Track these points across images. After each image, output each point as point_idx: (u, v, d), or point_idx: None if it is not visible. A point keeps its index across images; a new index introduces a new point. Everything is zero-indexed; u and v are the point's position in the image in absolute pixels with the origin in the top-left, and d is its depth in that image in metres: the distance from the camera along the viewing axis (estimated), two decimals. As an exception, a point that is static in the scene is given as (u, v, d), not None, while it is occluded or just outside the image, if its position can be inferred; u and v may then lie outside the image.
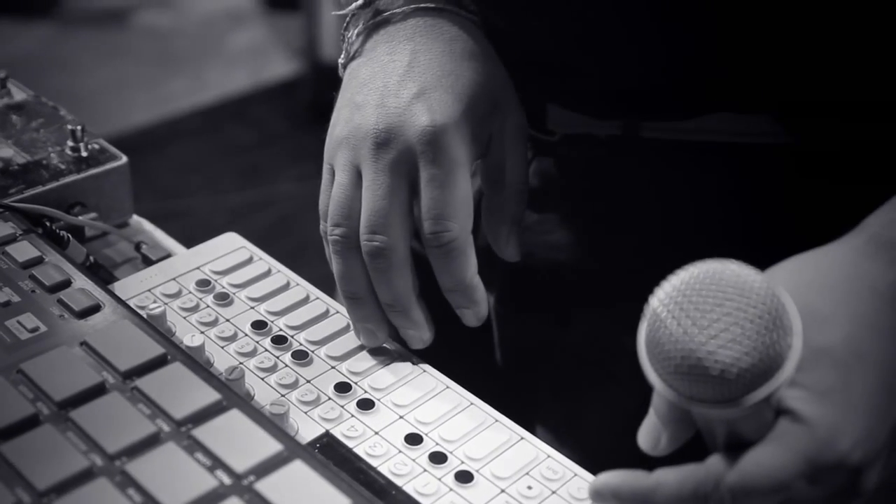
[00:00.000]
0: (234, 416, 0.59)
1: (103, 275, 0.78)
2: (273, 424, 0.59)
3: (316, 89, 2.84)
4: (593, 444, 0.78)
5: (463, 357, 0.76)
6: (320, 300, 0.76)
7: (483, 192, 0.76)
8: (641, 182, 0.80)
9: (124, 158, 0.84)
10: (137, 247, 0.82)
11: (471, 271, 0.71)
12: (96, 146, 0.85)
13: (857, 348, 0.54)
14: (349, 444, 0.65)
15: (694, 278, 0.52)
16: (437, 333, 0.73)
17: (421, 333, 0.71)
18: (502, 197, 0.75)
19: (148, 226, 0.86)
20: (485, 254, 0.85)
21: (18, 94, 0.93)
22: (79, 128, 0.84)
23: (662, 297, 0.52)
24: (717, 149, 0.77)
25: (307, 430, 0.66)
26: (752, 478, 0.52)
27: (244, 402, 0.60)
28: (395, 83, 0.70)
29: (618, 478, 0.56)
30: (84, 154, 0.84)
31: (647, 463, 0.57)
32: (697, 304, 0.51)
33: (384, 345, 0.72)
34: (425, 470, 0.64)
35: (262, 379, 0.69)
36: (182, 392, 0.60)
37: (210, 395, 0.60)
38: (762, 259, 0.58)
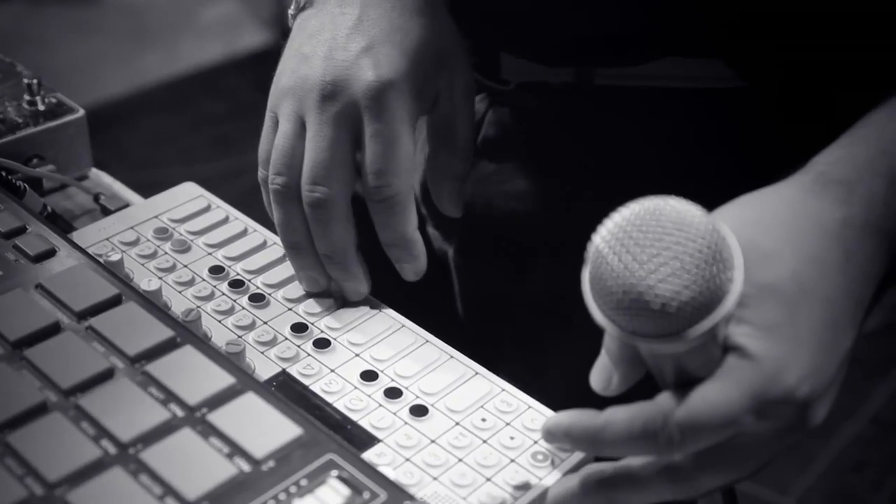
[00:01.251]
0: (188, 352, 0.60)
1: (61, 224, 0.78)
2: (226, 359, 0.59)
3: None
4: (558, 392, 0.79)
5: (424, 310, 0.76)
6: (277, 245, 0.76)
7: (430, 149, 0.77)
8: (596, 129, 0.81)
9: (81, 111, 0.84)
10: (96, 198, 0.82)
11: (411, 226, 0.71)
12: (53, 100, 0.85)
13: (803, 284, 0.55)
14: (305, 381, 0.66)
15: (635, 215, 0.52)
16: (397, 287, 0.74)
17: (357, 286, 0.72)
18: (448, 154, 0.76)
19: (107, 178, 0.86)
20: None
21: (-24, 52, 0.93)
22: (35, 81, 0.84)
23: (604, 235, 0.52)
24: (669, 94, 0.77)
25: (264, 369, 0.67)
26: (700, 413, 0.53)
27: (197, 339, 0.61)
28: (344, 36, 0.70)
29: (569, 417, 0.57)
30: (41, 107, 0.84)
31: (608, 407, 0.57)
32: (638, 241, 0.51)
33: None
34: (380, 405, 0.65)
35: (220, 321, 0.70)
36: (136, 330, 0.61)
37: (163, 333, 0.61)
38: (720, 201, 0.59)
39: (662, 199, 0.53)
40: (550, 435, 0.58)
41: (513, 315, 0.86)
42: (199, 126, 2.75)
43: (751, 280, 0.54)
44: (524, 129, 0.84)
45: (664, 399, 0.54)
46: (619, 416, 0.55)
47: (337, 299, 0.72)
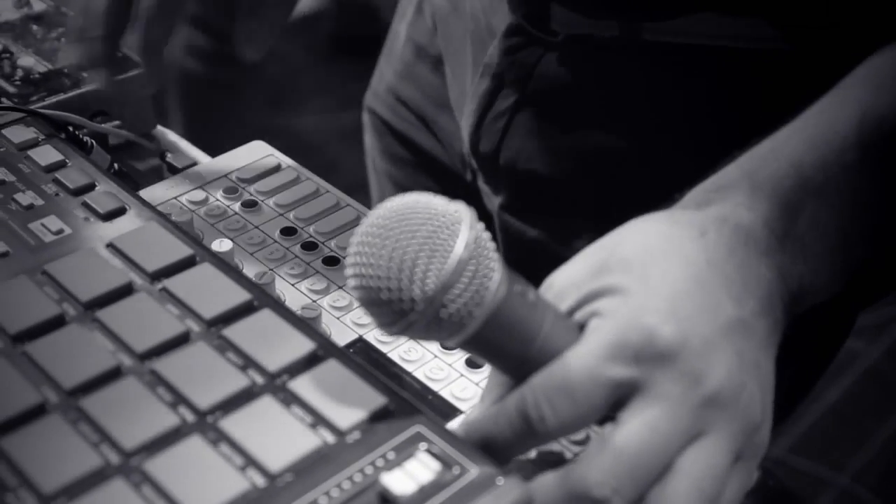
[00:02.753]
0: (266, 316, 0.57)
1: (129, 183, 0.76)
2: (305, 324, 0.57)
3: (338, 22, 2.79)
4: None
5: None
6: (351, 207, 0.73)
7: None
8: (641, 85, 0.80)
9: (147, 66, 0.82)
10: (162, 156, 0.80)
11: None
12: (118, 54, 0.82)
13: (653, 251, 0.52)
14: (383, 349, 0.63)
15: (365, 234, 0.50)
16: None
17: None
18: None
19: (173, 136, 0.83)
20: (489, 160, 0.84)
21: (38, 5, 0.90)
22: (101, 35, 0.81)
23: (351, 265, 0.50)
24: (713, 52, 0.75)
25: (340, 335, 0.64)
26: (560, 371, 0.49)
27: (275, 302, 0.58)
28: None
29: (464, 428, 0.53)
30: (106, 61, 0.81)
31: None
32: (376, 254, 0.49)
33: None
34: (462, 375, 0.62)
35: (293, 285, 0.67)
36: (212, 292, 0.58)
37: (240, 295, 0.58)
38: None
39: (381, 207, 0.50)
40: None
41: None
42: (251, 88, 2.72)
43: (602, 263, 0.52)
44: (573, 82, 0.82)
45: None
46: (493, 409, 0.52)
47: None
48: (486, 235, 0.49)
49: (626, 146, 0.81)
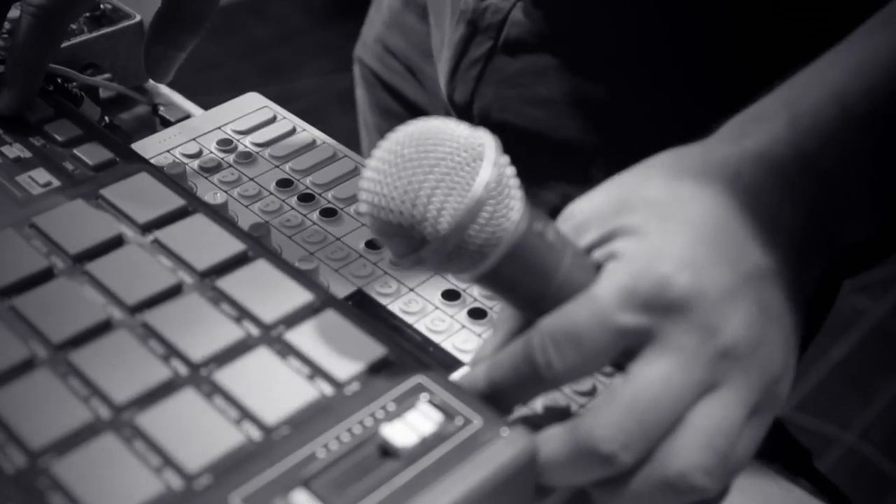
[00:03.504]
0: (261, 267, 0.55)
1: (120, 136, 0.74)
2: (302, 274, 0.55)
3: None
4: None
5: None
6: (349, 157, 0.71)
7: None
8: (617, 31, 0.78)
9: (138, 17, 0.80)
10: (155, 109, 0.78)
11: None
12: (108, 6, 0.80)
13: (679, 192, 0.49)
14: (383, 301, 0.62)
15: (381, 161, 0.47)
16: None
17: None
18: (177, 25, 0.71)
19: (165, 90, 0.81)
20: (463, 110, 0.83)
21: (26, -42, 0.88)
22: (90, -14, 0.79)
23: (366, 188, 0.47)
24: None
25: (338, 287, 0.62)
26: (569, 315, 0.47)
27: (270, 253, 0.56)
28: None
29: (467, 378, 0.51)
30: (96, 13, 0.79)
31: None
32: (397, 176, 0.46)
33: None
34: (464, 326, 0.60)
35: (290, 237, 0.66)
36: (205, 243, 0.56)
37: (235, 246, 0.56)
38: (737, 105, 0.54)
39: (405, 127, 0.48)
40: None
41: None
42: (246, 52, 2.70)
43: (625, 199, 0.49)
44: (548, 29, 0.80)
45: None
46: (499, 354, 0.50)
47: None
48: (510, 171, 0.47)
49: (601, 95, 0.78)
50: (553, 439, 0.48)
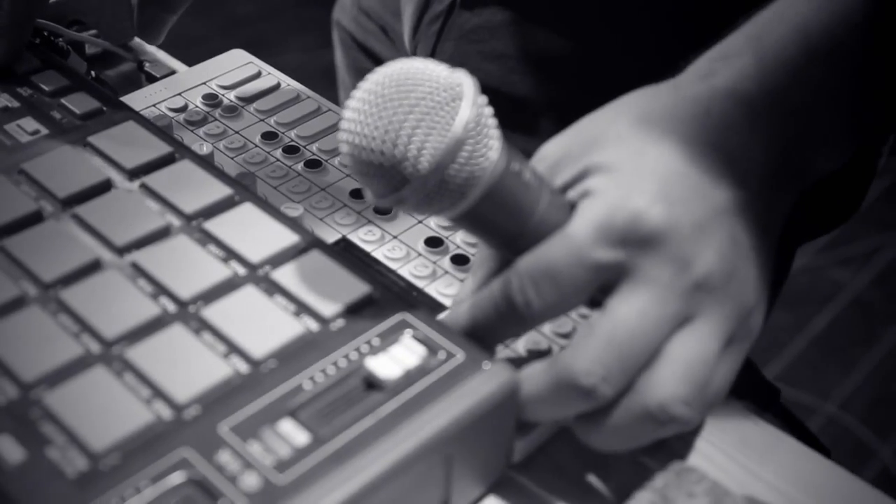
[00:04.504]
0: (247, 210, 0.56)
1: (106, 90, 0.75)
2: (287, 217, 0.56)
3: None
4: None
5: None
6: (332, 111, 0.72)
7: None
8: None
9: (124, -26, 0.80)
10: (140, 65, 0.78)
11: None
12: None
13: (649, 127, 0.50)
14: (367, 248, 0.63)
15: (362, 100, 0.48)
16: None
17: None
18: None
19: (150, 47, 0.82)
20: None
21: (11, -82, 0.88)
22: (75, -57, 0.80)
23: (346, 129, 0.48)
24: None
25: (323, 235, 0.63)
26: (545, 254, 0.48)
27: (256, 197, 0.57)
28: None
29: (449, 315, 0.53)
30: (82, -30, 0.80)
31: None
32: (375, 116, 0.47)
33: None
34: (447, 272, 0.61)
35: (275, 187, 0.66)
36: (192, 188, 0.57)
37: (221, 190, 0.57)
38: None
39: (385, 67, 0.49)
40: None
41: None
42: (230, 28, 2.70)
43: (595, 137, 0.50)
44: None
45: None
46: (478, 294, 0.51)
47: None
48: (488, 111, 0.48)
49: (554, 49, 0.79)
50: (534, 375, 0.49)
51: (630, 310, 0.48)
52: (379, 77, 0.48)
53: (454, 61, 0.83)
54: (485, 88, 0.82)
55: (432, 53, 0.84)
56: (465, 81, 0.48)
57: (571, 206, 0.50)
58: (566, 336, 0.57)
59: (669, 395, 0.48)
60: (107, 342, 0.49)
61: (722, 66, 0.53)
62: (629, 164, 0.49)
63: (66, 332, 0.49)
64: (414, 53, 0.86)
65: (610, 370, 0.47)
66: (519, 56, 0.81)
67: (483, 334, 0.51)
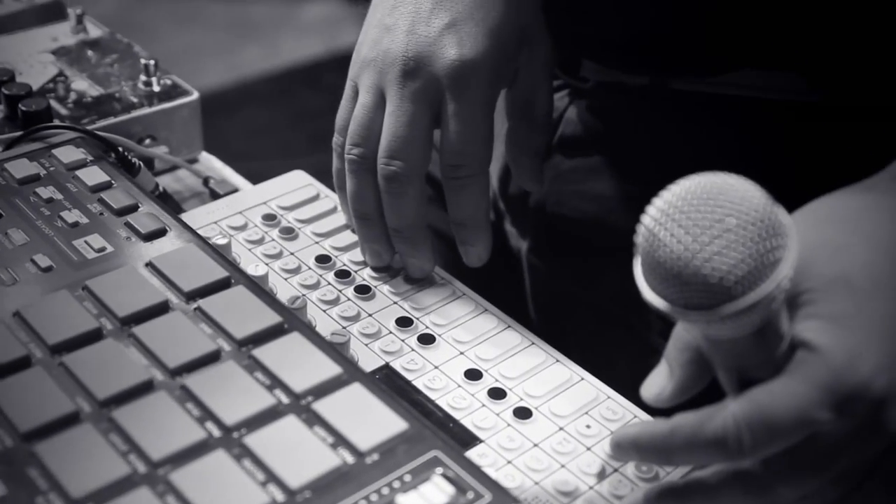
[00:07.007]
0: (295, 339, 0.59)
1: (172, 205, 0.78)
2: (333, 348, 0.59)
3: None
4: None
5: (496, 307, 0.76)
6: (385, 238, 0.75)
7: (510, 124, 0.76)
8: (672, 133, 0.80)
9: (196, 94, 0.85)
10: (206, 181, 0.82)
11: (482, 208, 0.71)
12: (168, 82, 0.85)
13: (876, 275, 0.52)
14: (408, 376, 0.65)
15: (685, 190, 0.49)
16: (471, 280, 0.73)
17: (423, 263, 0.72)
18: (528, 128, 0.76)
19: (217, 163, 0.86)
20: (518, 202, 0.85)
21: (94, 31, 0.94)
22: (152, 62, 0.84)
23: (654, 213, 0.50)
24: (744, 103, 0.76)
25: (367, 361, 0.66)
26: (768, 408, 0.50)
27: (305, 326, 0.60)
28: (427, 10, 0.70)
29: (636, 428, 0.54)
30: (156, 89, 0.84)
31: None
32: (689, 215, 0.49)
33: (451, 283, 0.72)
34: (483, 405, 0.64)
35: (325, 311, 0.69)
36: (244, 314, 0.60)
37: (271, 318, 0.60)
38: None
39: (713, 174, 0.50)
40: (619, 448, 0.55)
41: (580, 319, 0.85)
42: (299, 120, 2.76)
43: (820, 274, 0.51)
44: (602, 128, 0.83)
45: (732, 402, 0.51)
46: (686, 421, 0.52)
47: (443, 296, 0.71)
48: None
49: (655, 192, 0.81)
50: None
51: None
52: (698, 191, 0.49)
53: (550, 200, 0.85)
54: (582, 225, 0.85)
55: (527, 192, 0.86)
56: (787, 221, 0.49)
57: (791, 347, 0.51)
58: (620, 498, 0.59)
59: None
60: (153, 463, 0.52)
61: None
62: (853, 316, 0.51)
63: (115, 451, 0.52)
64: (503, 192, 0.88)
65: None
66: (616, 196, 0.83)
67: (671, 458, 0.53)
